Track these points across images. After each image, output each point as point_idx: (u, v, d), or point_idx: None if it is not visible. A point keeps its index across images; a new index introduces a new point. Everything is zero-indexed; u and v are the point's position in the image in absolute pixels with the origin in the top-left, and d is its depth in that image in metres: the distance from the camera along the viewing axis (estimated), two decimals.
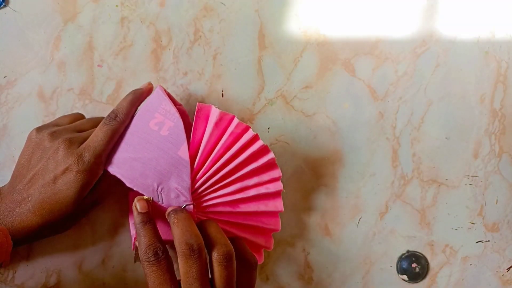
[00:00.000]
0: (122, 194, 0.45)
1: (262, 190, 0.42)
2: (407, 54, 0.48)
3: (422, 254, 0.48)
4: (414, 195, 0.48)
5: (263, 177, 0.42)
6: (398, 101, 0.48)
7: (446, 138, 0.48)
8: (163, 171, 0.39)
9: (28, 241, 0.40)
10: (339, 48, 0.47)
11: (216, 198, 0.41)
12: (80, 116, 0.45)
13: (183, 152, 0.39)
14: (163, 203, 0.39)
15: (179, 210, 0.38)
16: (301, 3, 0.47)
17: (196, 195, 0.40)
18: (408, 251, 0.48)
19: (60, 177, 0.38)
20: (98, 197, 0.42)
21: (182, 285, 0.35)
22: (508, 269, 0.49)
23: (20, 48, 0.45)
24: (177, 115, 0.40)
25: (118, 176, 0.39)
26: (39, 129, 0.41)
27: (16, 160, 0.41)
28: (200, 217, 0.40)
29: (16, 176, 0.40)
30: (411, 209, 0.48)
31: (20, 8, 0.46)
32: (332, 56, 0.47)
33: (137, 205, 0.37)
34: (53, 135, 0.39)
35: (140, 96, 0.41)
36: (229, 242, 0.37)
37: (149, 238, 0.36)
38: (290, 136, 0.47)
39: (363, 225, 0.48)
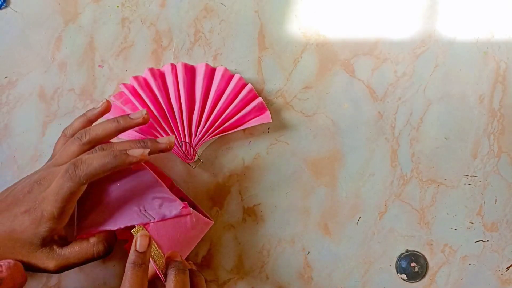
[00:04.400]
0: None
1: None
2: (406, 55, 0.48)
3: (421, 254, 0.48)
4: (413, 194, 0.48)
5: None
6: (397, 101, 0.48)
7: (445, 138, 0.48)
8: (136, 195, 0.38)
9: None
10: (338, 49, 0.48)
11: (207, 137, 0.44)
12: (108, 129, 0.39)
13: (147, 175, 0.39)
14: (155, 219, 0.37)
15: (181, 269, 0.36)
16: (301, 4, 0.47)
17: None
18: (407, 251, 0.48)
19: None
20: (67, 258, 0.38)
21: None
22: (507, 268, 0.49)
23: (21, 49, 0.46)
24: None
25: (100, 228, 0.37)
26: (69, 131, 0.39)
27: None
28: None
29: None
30: (410, 209, 0.48)
31: (21, 9, 0.46)
32: (331, 56, 0.48)
33: (137, 241, 0.35)
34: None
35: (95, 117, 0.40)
36: None
37: (133, 285, 0.33)
38: (290, 136, 0.47)
39: (363, 225, 0.48)
